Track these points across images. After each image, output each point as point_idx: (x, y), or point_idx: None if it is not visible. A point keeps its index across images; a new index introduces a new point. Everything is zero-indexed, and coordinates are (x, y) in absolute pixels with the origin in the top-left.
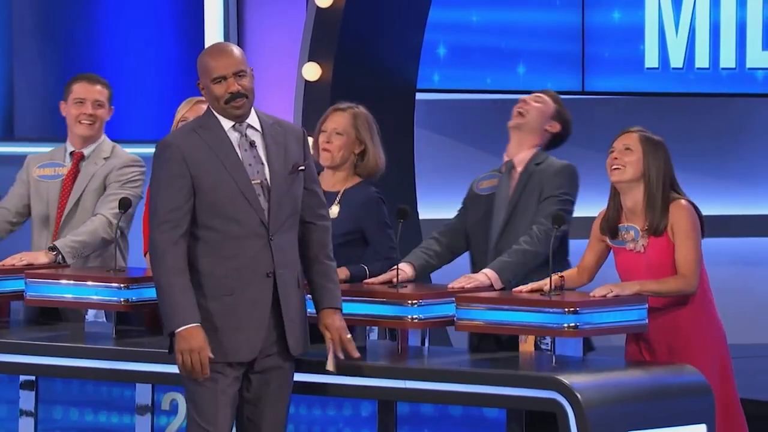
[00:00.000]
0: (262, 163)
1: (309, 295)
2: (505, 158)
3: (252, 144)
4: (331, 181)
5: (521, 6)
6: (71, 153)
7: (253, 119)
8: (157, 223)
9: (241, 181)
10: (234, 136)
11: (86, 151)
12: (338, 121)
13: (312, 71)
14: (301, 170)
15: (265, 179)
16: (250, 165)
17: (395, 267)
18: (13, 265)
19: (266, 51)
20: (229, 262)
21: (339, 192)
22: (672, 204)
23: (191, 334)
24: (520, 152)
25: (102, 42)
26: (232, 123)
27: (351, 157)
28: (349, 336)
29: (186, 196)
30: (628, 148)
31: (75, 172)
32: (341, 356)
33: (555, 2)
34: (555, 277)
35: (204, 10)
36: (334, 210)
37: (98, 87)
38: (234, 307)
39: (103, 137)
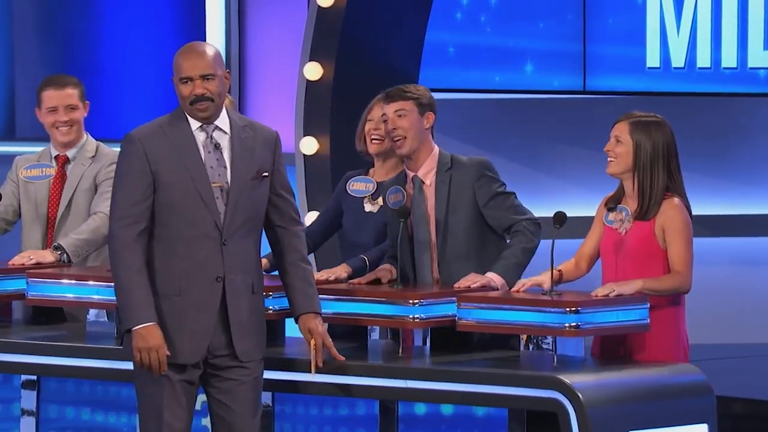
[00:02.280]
0: (225, 166)
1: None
2: (409, 174)
3: (217, 146)
4: (383, 171)
5: (526, 5)
6: (55, 157)
7: (222, 121)
8: (117, 217)
9: (199, 181)
10: (200, 137)
11: (70, 154)
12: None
13: (313, 71)
14: (265, 176)
15: (226, 182)
16: (212, 167)
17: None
18: (23, 264)
19: (267, 51)
20: (180, 262)
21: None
22: (665, 201)
23: (149, 333)
24: (421, 166)
25: (102, 42)
26: (199, 123)
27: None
28: (330, 341)
29: (146, 192)
30: (618, 140)
31: (62, 175)
32: (321, 364)
33: (557, 1)
34: (554, 272)
35: (205, 9)
36: (379, 202)
37: (68, 90)
38: (181, 308)
39: (86, 137)
